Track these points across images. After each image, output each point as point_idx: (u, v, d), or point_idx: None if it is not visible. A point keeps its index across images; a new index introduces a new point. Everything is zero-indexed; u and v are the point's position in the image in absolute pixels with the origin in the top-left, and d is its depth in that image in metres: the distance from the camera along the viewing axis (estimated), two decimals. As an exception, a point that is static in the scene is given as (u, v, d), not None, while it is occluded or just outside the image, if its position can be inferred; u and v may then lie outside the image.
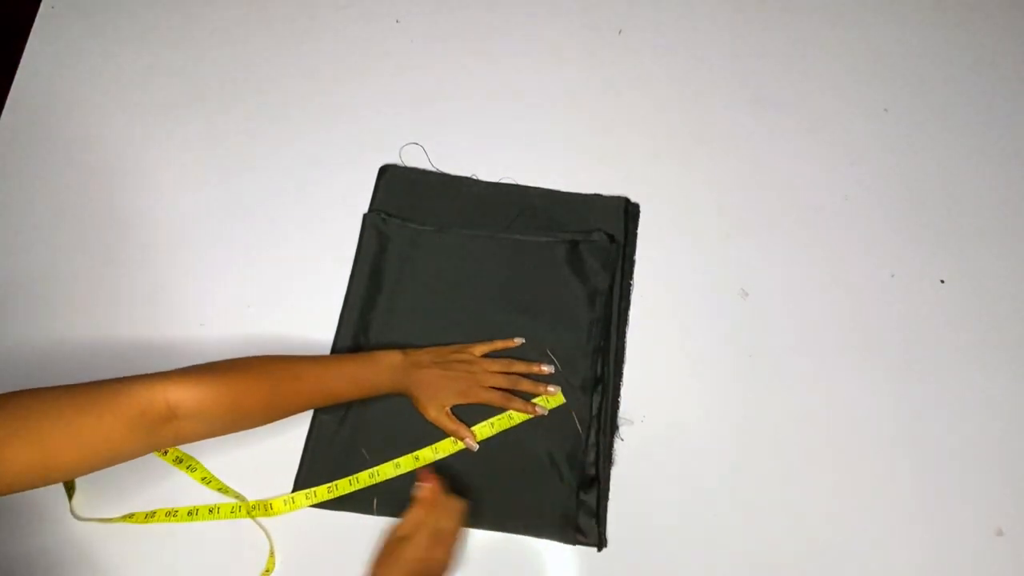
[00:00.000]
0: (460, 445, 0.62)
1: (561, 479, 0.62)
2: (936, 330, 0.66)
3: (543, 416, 0.63)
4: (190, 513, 0.60)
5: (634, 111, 0.75)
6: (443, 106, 0.75)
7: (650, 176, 0.72)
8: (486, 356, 0.65)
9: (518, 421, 0.63)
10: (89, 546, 0.61)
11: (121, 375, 0.51)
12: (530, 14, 0.79)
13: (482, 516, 0.61)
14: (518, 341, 0.65)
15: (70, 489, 0.62)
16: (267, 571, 0.60)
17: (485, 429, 0.63)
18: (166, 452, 0.62)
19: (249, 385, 0.55)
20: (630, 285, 0.68)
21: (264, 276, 0.69)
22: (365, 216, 0.70)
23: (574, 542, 0.61)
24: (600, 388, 0.64)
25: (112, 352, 0.66)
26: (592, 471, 0.62)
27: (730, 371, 0.65)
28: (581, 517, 0.61)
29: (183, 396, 0.50)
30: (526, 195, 0.71)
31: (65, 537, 0.61)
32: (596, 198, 0.71)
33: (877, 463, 0.63)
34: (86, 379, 0.49)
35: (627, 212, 0.70)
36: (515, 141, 0.74)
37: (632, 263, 0.69)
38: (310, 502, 0.61)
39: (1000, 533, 0.61)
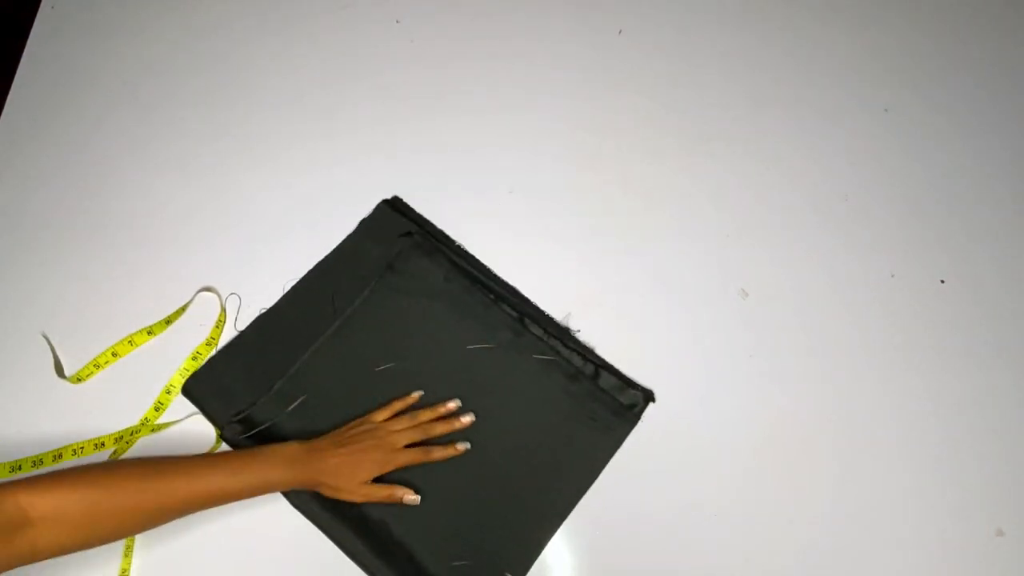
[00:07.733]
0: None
1: (583, 397, 0.62)
2: (936, 330, 0.66)
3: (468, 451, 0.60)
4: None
5: (632, 111, 0.75)
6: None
7: (649, 175, 0.72)
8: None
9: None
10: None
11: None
12: (532, 14, 0.79)
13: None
14: (416, 395, 0.62)
15: None
16: (123, 571, 0.57)
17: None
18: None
19: (112, 481, 0.48)
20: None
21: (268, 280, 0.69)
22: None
23: (636, 419, 0.62)
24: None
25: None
26: (591, 368, 0.63)
27: (731, 371, 0.65)
28: (620, 397, 0.63)
29: (36, 498, 0.44)
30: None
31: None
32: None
33: (877, 463, 0.62)
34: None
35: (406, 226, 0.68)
36: (510, 147, 0.74)
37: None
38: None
39: (1000, 533, 0.61)
